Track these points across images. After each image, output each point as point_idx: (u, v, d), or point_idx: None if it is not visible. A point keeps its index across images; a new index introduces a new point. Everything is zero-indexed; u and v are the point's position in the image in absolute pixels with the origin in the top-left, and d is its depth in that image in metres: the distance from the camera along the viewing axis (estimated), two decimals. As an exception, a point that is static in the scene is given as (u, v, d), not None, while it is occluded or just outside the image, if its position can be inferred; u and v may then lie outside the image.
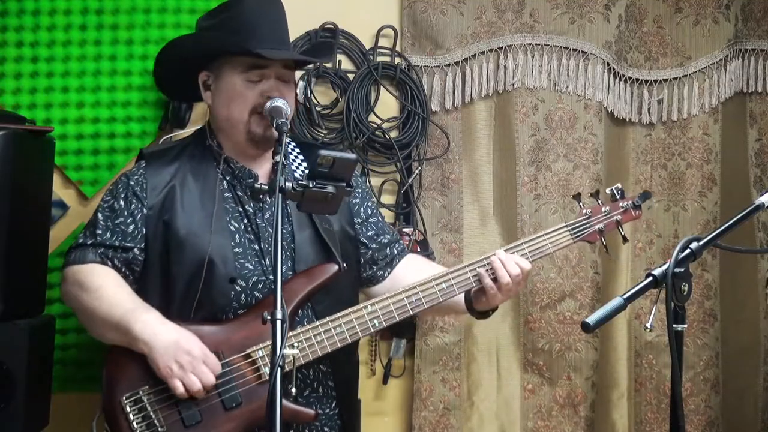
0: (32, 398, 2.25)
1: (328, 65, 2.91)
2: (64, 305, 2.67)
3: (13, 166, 2.22)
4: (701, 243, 1.81)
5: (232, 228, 2.23)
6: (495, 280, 2.26)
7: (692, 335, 3.19)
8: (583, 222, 2.38)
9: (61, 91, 2.70)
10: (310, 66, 2.84)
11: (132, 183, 2.26)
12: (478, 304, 2.34)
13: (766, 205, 1.96)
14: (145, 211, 2.23)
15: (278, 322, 1.71)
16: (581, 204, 2.40)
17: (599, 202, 2.40)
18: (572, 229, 2.37)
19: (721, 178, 3.24)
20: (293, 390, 2.09)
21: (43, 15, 2.68)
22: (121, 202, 2.24)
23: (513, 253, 2.31)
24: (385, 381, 2.98)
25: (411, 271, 2.43)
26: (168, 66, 2.34)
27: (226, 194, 2.26)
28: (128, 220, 2.23)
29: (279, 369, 1.67)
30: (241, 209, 2.26)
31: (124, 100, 2.75)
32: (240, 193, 2.27)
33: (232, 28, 2.25)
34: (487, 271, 2.27)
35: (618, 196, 2.40)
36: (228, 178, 2.28)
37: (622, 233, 2.41)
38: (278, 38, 2.27)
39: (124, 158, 2.75)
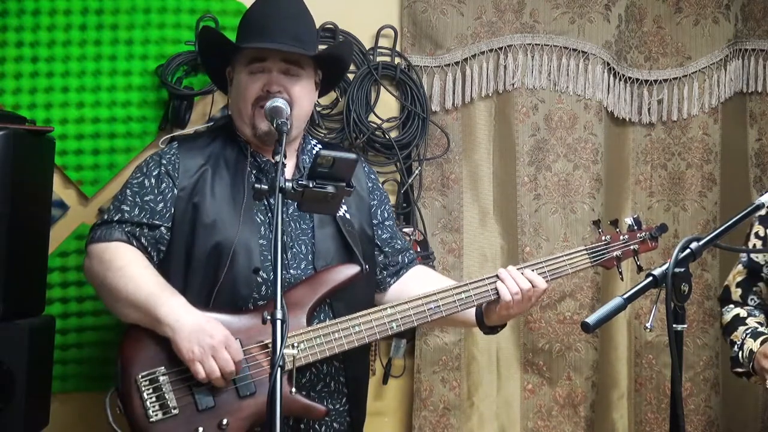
0: (32, 398, 2.25)
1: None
2: (64, 305, 2.68)
3: (13, 166, 2.21)
4: (701, 243, 1.82)
5: (257, 220, 2.25)
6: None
7: (692, 335, 3.19)
8: (603, 247, 2.42)
9: (61, 91, 2.70)
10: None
11: (164, 162, 2.27)
12: (489, 320, 2.35)
13: (766, 205, 1.96)
14: (176, 191, 2.24)
15: (278, 322, 1.72)
16: (600, 230, 2.44)
17: (618, 230, 2.43)
18: (591, 252, 2.41)
19: (721, 178, 3.24)
20: (293, 390, 2.10)
21: (43, 15, 2.68)
22: (152, 180, 2.25)
23: (532, 270, 2.32)
24: (385, 381, 2.98)
25: (418, 283, 2.44)
26: (206, 60, 2.43)
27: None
28: (158, 198, 2.24)
29: (279, 369, 1.67)
30: (266, 203, 2.27)
31: (124, 100, 2.74)
32: (265, 187, 2.28)
33: (248, 25, 2.30)
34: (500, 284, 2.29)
35: (635, 227, 2.44)
36: (255, 171, 2.30)
37: (638, 263, 2.44)
38: (290, 35, 2.27)
39: (124, 158, 2.74)
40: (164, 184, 2.24)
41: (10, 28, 2.66)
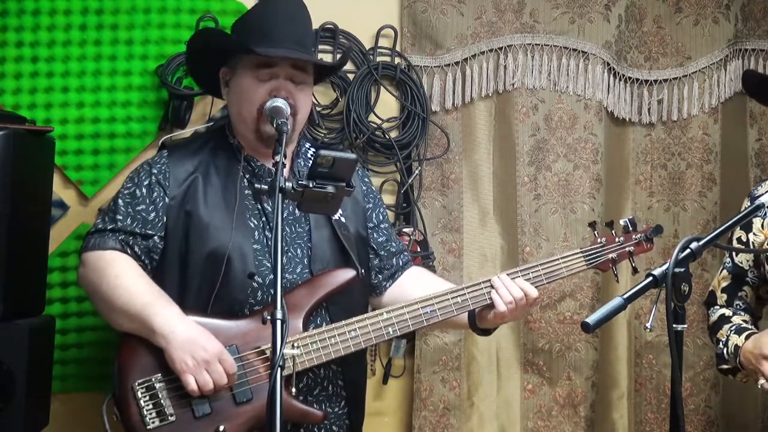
0: (32, 398, 2.25)
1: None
2: (64, 305, 2.68)
3: (13, 166, 2.21)
4: (701, 243, 1.81)
5: (251, 225, 2.25)
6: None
7: (692, 335, 3.19)
8: (598, 250, 2.41)
9: (61, 91, 2.70)
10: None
11: (155, 171, 2.27)
12: (482, 322, 2.35)
13: (766, 205, 1.96)
14: (167, 200, 2.24)
15: (278, 322, 1.72)
16: (596, 232, 2.43)
17: (613, 232, 2.43)
18: (587, 255, 2.40)
19: (721, 178, 3.24)
20: (293, 390, 2.10)
21: (43, 15, 2.68)
22: (143, 190, 2.25)
23: (528, 273, 2.33)
24: (385, 381, 2.98)
25: (414, 286, 2.44)
26: (194, 58, 2.38)
27: (246, 191, 2.27)
28: (149, 208, 2.24)
29: (279, 369, 1.68)
30: (260, 207, 2.27)
31: (124, 100, 2.75)
32: None
33: (251, 28, 2.27)
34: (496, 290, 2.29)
35: (631, 228, 2.43)
36: (248, 175, 2.30)
37: (633, 264, 2.44)
38: (294, 40, 2.27)
39: (124, 158, 2.75)
40: (155, 194, 2.24)
41: (10, 28, 2.66)
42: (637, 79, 3.19)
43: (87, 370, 2.71)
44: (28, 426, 2.25)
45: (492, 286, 2.28)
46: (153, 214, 2.23)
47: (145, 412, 2.07)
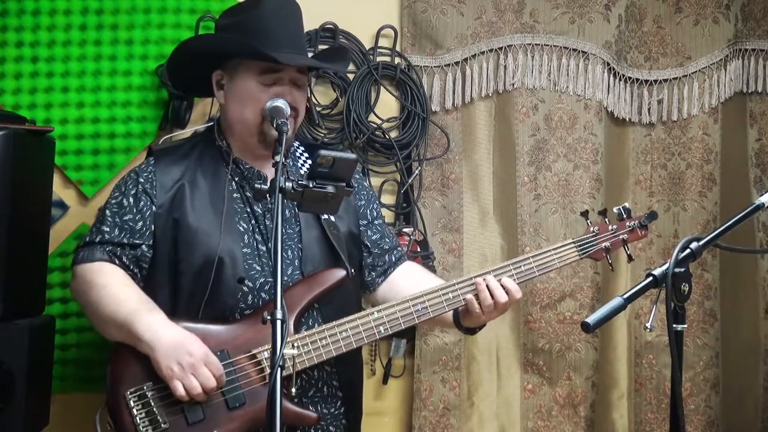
0: (32, 398, 2.25)
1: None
2: (64, 305, 2.69)
3: (13, 166, 2.21)
4: (701, 243, 1.82)
5: (240, 228, 2.24)
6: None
7: (692, 335, 3.19)
8: (591, 239, 2.40)
9: (61, 91, 2.70)
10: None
11: (141, 180, 2.26)
12: (465, 321, 2.34)
13: (766, 205, 1.96)
14: (154, 208, 2.23)
15: (278, 322, 1.71)
16: (589, 221, 2.42)
17: (606, 220, 2.41)
18: (579, 245, 2.39)
19: (721, 178, 3.24)
20: (293, 391, 2.10)
21: (43, 15, 2.68)
22: (131, 199, 2.25)
23: (520, 266, 2.31)
24: (385, 381, 2.99)
25: (406, 281, 2.43)
26: (183, 61, 2.34)
27: (234, 195, 2.26)
28: (137, 217, 2.23)
29: (279, 369, 1.67)
30: (249, 210, 2.26)
31: (124, 100, 2.75)
32: (249, 194, 2.27)
33: (250, 30, 2.23)
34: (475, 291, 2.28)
35: (625, 216, 2.42)
36: (237, 178, 2.29)
37: (628, 252, 2.43)
38: (295, 42, 2.26)
39: (124, 158, 2.75)
40: (142, 203, 2.24)
41: (10, 28, 2.66)
42: (637, 79, 3.20)
43: (87, 371, 2.71)
44: (28, 426, 2.25)
45: (475, 286, 2.27)
46: (140, 224, 2.23)
47: (138, 421, 2.07)
